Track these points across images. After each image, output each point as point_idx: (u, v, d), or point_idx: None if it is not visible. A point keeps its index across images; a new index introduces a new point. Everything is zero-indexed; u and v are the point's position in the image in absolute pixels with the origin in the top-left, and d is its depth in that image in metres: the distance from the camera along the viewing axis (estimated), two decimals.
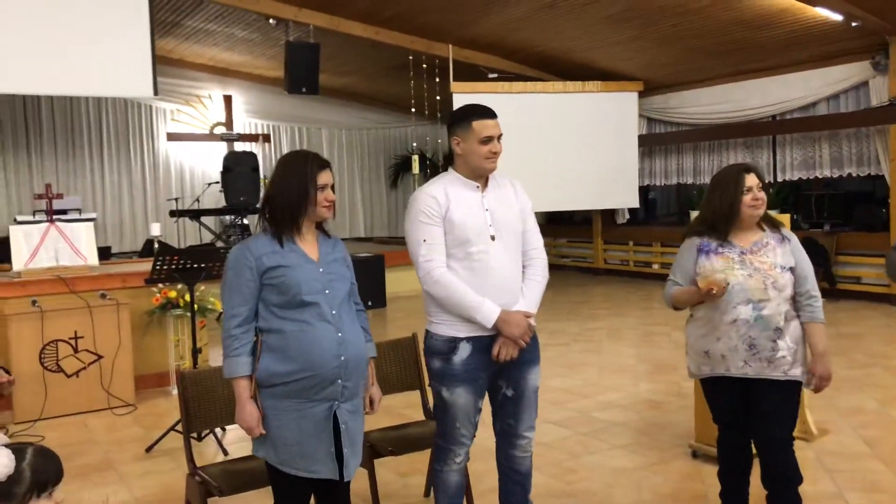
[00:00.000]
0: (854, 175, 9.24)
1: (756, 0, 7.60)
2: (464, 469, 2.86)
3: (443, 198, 2.71)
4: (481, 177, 2.77)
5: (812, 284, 2.87)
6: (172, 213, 10.72)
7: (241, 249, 2.43)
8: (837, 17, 7.74)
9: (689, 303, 2.95)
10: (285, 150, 13.70)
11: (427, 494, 3.69)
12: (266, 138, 13.36)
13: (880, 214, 9.02)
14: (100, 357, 5.37)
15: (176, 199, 11.07)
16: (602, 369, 6.18)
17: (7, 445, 1.63)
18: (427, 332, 2.81)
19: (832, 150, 9.38)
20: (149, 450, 4.52)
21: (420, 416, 3.66)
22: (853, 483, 3.68)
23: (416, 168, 11.72)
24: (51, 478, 1.64)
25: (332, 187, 2.49)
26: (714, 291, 2.76)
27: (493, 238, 2.71)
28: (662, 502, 3.57)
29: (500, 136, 2.74)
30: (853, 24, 7.85)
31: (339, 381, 2.41)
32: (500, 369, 2.77)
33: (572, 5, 8.32)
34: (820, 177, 9.55)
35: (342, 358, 2.40)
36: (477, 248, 2.69)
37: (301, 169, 2.44)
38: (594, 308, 9.18)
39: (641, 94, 11.04)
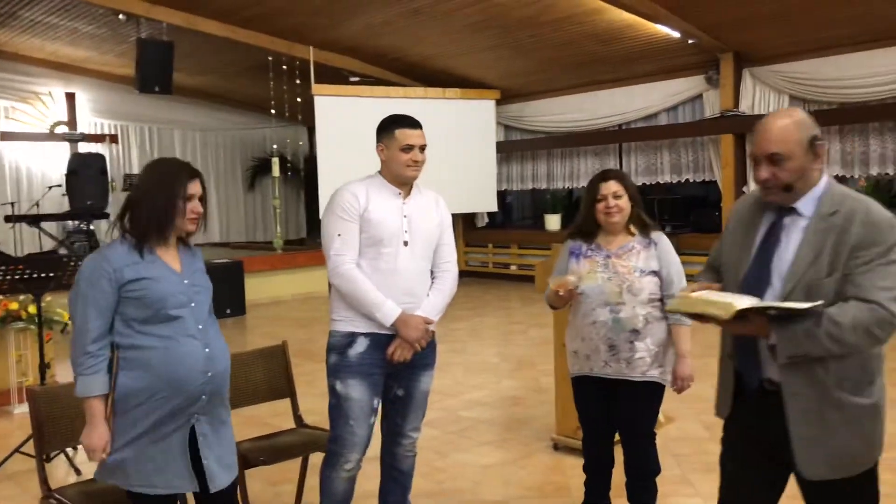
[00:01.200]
0: (691, 180, 9.99)
1: (604, 15, 8.07)
2: (353, 478, 2.88)
3: (363, 197, 2.79)
4: (405, 184, 2.86)
5: (678, 288, 2.94)
6: (7, 219, 9.94)
7: (98, 259, 2.28)
8: (676, 35, 8.36)
9: (555, 303, 3.10)
10: (135, 152, 13.05)
11: (298, 502, 3.66)
12: (113, 139, 12.67)
13: (714, 217, 9.81)
14: None
15: (12, 204, 10.27)
16: (467, 369, 6.35)
17: None
18: (330, 331, 2.87)
19: (672, 157, 10.10)
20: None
21: (291, 425, 3.62)
22: (695, 465, 4.01)
23: (275, 170, 11.48)
24: None
25: (202, 199, 2.38)
26: (561, 293, 2.90)
27: (405, 243, 2.81)
28: (528, 495, 3.74)
29: (422, 147, 2.84)
30: (690, 41, 8.51)
31: (204, 396, 2.32)
32: (394, 371, 2.85)
33: (435, 13, 8.49)
34: (661, 182, 10.26)
35: (209, 374, 2.32)
36: (388, 250, 2.78)
37: (171, 177, 2.32)
38: (457, 309, 9.38)
39: (499, 102, 11.42)
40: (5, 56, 10.73)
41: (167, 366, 2.25)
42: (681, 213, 10.35)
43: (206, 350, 2.34)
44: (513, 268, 11.91)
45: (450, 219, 3.02)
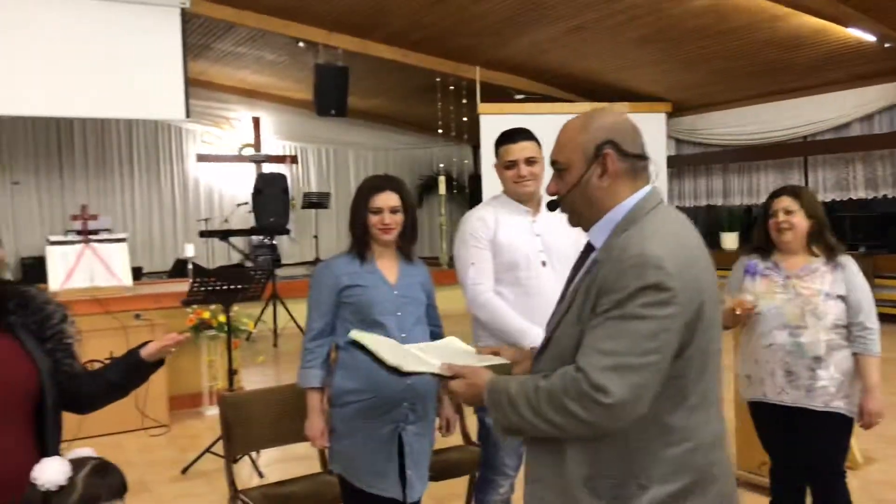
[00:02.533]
0: (889, 196, 9.11)
1: (787, 21, 7.56)
2: (508, 500, 2.82)
3: (491, 221, 2.71)
4: (530, 201, 2.73)
5: (867, 315, 2.73)
6: (202, 234, 10.80)
7: (323, 267, 2.56)
8: (871, 38, 7.67)
9: (727, 322, 2.91)
10: (313, 171, 13.82)
11: None
12: (293, 160, 13.46)
13: None
14: None
15: (205, 220, 11.17)
16: None
17: (73, 459, 1.65)
18: None
19: (866, 170, 9.26)
20: (184, 471, 4.51)
21: (458, 442, 3.62)
22: None
23: (442, 189, 11.73)
24: (103, 494, 1.66)
25: (396, 210, 2.50)
26: (738, 312, 2.71)
27: (543, 264, 2.68)
28: None
29: (529, 160, 2.68)
30: (886, 45, 7.77)
31: (405, 403, 2.41)
32: None
33: (601, 27, 8.33)
34: (854, 198, 9.43)
35: (408, 382, 2.38)
36: (526, 273, 2.66)
37: (360, 193, 2.55)
38: None
39: (670, 115, 11.01)
40: (200, 84, 11.71)
41: (370, 368, 2.33)
42: (876, 231, 9.44)
43: None
44: None
45: None
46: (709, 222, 12.80)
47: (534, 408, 1.42)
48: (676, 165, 11.29)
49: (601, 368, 1.36)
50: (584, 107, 10.23)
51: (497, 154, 2.75)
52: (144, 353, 1.93)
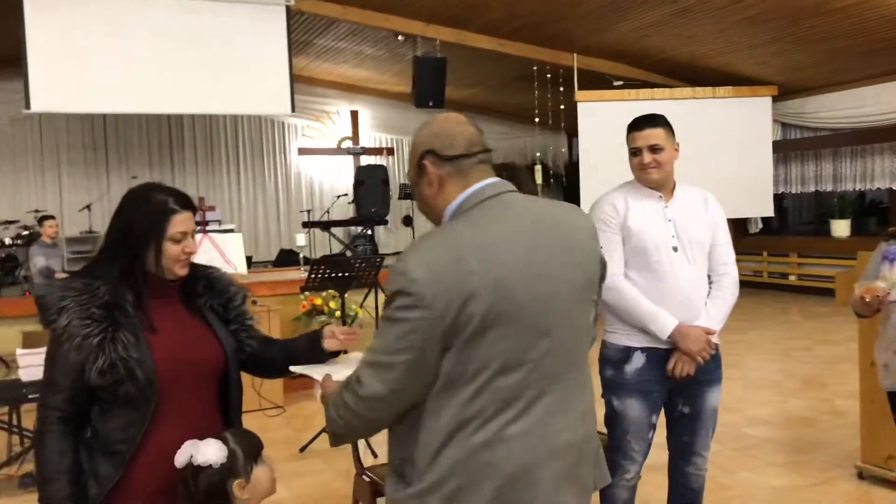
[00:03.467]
0: None
1: None
2: (634, 487, 2.80)
3: (622, 205, 2.70)
4: (662, 187, 2.72)
5: None
6: (305, 224, 11.14)
7: None
8: None
9: (862, 311, 2.80)
10: (407, 163, 14.01)
11: None
12: (390, 152, 13.69)
13: None
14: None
15: (307, 211, 11.52)
16: (746, 384, 5.95)
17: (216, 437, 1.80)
18: (602, 341, 2.78)
19: None
20: (302, 450, 4.71)
21: None
22: None
23: (538, 178, 11.67)
24: (257, 446, 1.82)
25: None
26: (868, 299, 2.61)
27: (675, 249, 2.64)
28: None
29: (652, 147, 2.65)
30: None
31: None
32: (677, 386, 2.70)
33: (707, 9, 8.10)
34: None
35: None
36: (657, 258, 2.63)
37: None
38: (730, 320, 8.81)
39: (776, 99, 10.59)
40: (302, 80, 12.05)
41: None
42: None
43: None
44: (791, 278, 10.98)
45: (723, 217, 2.77)
46: (817, 209, 12.30)
47: (333, 403, 1.55)
48: (782, 150, 10.87)
49: (364, 364, 1.48)
50: (685, 92, 10.00)
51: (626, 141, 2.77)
52: (326, 343, 1.99)
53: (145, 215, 1.79)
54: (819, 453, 4.31)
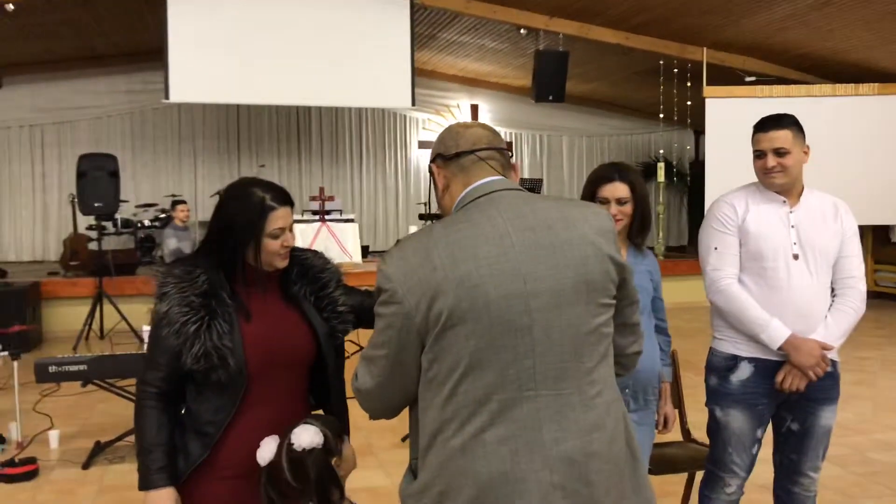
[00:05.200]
0: None
1: None
2: (735, 502, 2.67)
3: (742, 207, 2.57)
4: (788, 191, 2.56)
5: None
6: (421, 217, 11.32)
7: None
8: None
9: None
10: (526, 158, 13.92)
11: None
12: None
13: None
14: (362, 348, 5.78)
15: (425, 203, 11.67)
16: (877, 404, 5.53)
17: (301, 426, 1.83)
18: (710, 348, 2.69)
19: None
20: (404, 439, 4.78)
21: (678, 437, 3.50)
22: None
23: (660, 176, 11.32)
24: (336, 425, 1.86)
25: (624, 201, 2.48)
26: None
27: (795, 257, 2.50)
28: None
29: (777, 151, 2.49)
30: None
31: (627, 390, 2.38)
32: (786, 401, 2.56)
33: (851, 2, 7.57)
34: None
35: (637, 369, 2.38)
36: (773, 264, 2.50)
37: (588, 181, 2.59)
38: (864, 335, 8.25)
39: None
40: (423, 74, 12.21)
41: None
42: None
43: None
44: None
45: (855, 228, 2.58)
46: None
47: None
48: None
49: (360, 357, 1.55)
50: (824, 89, 9.41)
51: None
52: None
53: (244, 212, 1.83)
54: None
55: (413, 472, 1.53)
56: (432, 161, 1.65)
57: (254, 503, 1.80)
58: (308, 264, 1.99)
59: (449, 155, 1.60)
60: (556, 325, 1.44)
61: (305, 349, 1.93)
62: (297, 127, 12.80)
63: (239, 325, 1.82)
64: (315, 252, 2.06)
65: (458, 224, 1.49)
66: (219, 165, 12.35)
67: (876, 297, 10.95)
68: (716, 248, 2.57)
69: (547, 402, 1.43)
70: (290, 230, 1.89)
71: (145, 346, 1.88)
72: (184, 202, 8.46)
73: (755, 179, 2.66)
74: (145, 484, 1.80)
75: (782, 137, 2.51)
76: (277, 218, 1.84)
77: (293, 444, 1.78)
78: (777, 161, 2.50)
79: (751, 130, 2.61)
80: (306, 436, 1.79)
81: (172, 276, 1.82)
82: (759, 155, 2.56)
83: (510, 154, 1.65)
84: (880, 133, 9.69)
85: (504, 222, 1.47)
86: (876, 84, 9.74)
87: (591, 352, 1.48)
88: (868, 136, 9.67)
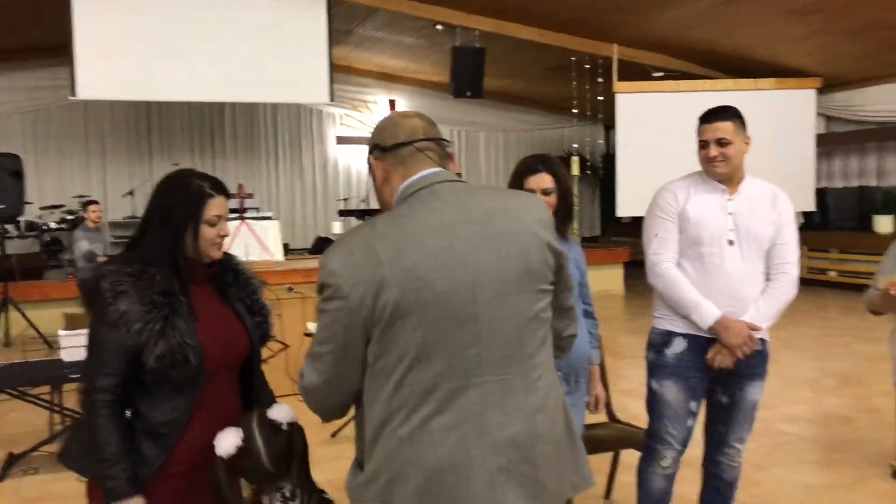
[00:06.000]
0: None
1: None
2: (671, 476, 2.81)
3: (683, 195, 2.71)
4: (728, 180, 2.70)
5: None
6: (341, 213, 11.26)
7: None
8: None
9: (880, 307, 2.80)
10: None
11: (607, 496, 3.68)
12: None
13: None
14: (286, 346, 5.73)
15: (344, 200, 11.62)
16: (782, 380, 5.88)
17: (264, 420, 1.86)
18: (651, 328, 2.84)
19: None
20: (334, 435, 4.79)
21: (603, 419, 3.65)
22: None
23: (575, 169, 11.60)
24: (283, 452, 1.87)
25: (549, 191, 2.57)
26: (893, 292, 2.59)
27: (730, 243, 2.65)
28: None
29: (719, 141, 2.63)
30: None
31: (559, 373, 2.47)
32: (720, 376, 2.71)
33: (753, 1, 7.97)
34: None
35: None
36: (709, 250, 2.64)
37: (514, 173, 2.66)
38: None
39: (820, 91, 10.39)
40: (340, 69, 12.12)
41: None
42: None
43: None
44: (832, 274, 10.78)
45: (791, 215, 2.74)
46: (860, 205, 12.04)
47: None
48: (826, 144, 10.65)
49: (306, 355, 1.54)
50: (727, 84, 9.85)
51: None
52: None
53: (183, 199, 1.85)
54: (854, 452, 4.25)
55: (360, 464, 1.53)
56: (370, 153, 1.63)
57: (205, 497, 1.81)
58: (240, 269, 2.04)
59: (387, 146, 1.59)
60: (501, 314, 1.47)
61: (244, 349, 1.96)
62: (210, 124, 12.50)
63: (192, 323, 1.82)
64: (239, 259, 2.10)
65: (401, 217, 1.49)
66: (129, 164, 11.93)
67: None
68: (657, 235, 2.71)
69: (492, 388, 1.47)
70: (225, 220, 1.92)
71: (86, 351, 1.83)
72: (96, 202, 8.15)
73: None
74: (115, 496, 1.74)
75: (724, 128, 2.65)
76: (214, 206, 1.87)
77: (274, 421, 1.80)
78: (719, 151, 2.64)
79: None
80: (282, 412, 1.81)
81: (127, 275, 1.79)
82: (702, 145, 2.69)
83: (448, 144, 1.65)
84: (780, 125, 10.22)
85: (448, 215, 1.48)
86: (773, 79, 10.28)
87: (533, 337, 1.53)
88: (768, 128, 10.17)
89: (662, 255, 2.69)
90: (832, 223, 12.35)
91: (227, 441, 1.78)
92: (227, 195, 1.94)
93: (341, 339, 1.46)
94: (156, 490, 1.81)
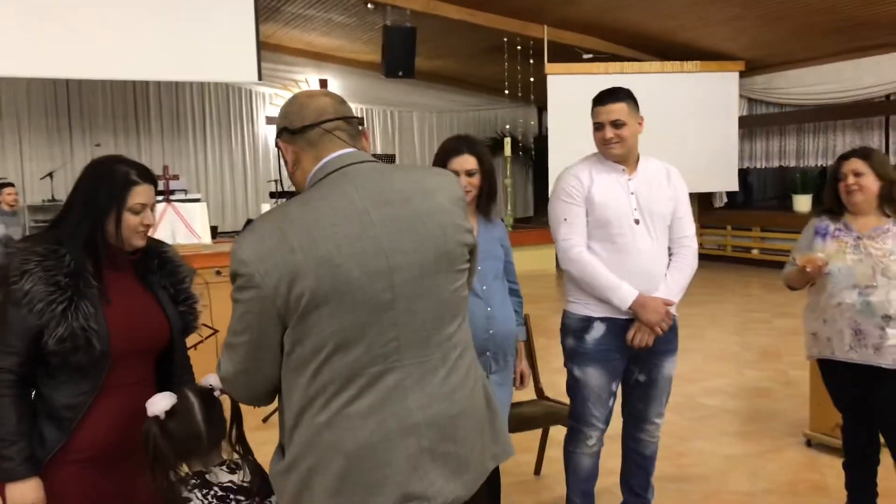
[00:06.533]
0: None
1: None
2: (597, 454, 2.87)
3: (586, 178, 2.71)
4: (626, 160, 2.73)
5: None
6: (272, 195, 11.07)
7: None
8: None
9: (796, 282, 2.92)
10: (377, 134, 13.92)
11: (537, 473, 3.75)
12: (360, 122, 13.56)
13: None
14: (216, 331, 5.61)
15: (276, 181, 11.41)
16: (706, 355, 6.08)
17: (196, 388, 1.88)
18: (564, 311, 2.84)
19: None
20: (265, 420, 4.73)
21: (531, 396, 3.71)
22: None
23: (507, 150, 11.70)
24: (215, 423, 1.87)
25: (473, 173, 2.60)
26: (808, 269, 2.71)
27: (636, 222, 2.68)
28: (778, 490, 3.52)
29: (615, 122, 2.65)
30: None
31: (488, 353, 2.50)
32: (636, 355, 2.76)
33: None
34: None
35: (490, 332, 2.50)
36: (618, 230, 2.66)
37: (437, 155, 2.70)
38: (693, 294, 8.89)
39: (743, 74, 10.71)
40: (269, 48, 11.86)
41: None
42: None
43: (489, 309, 2.53)
44: (754, 252, 11.18)
45: (685, 190, 2.81)
46: (780, 184, 12.51)
47: None
48: (748, 125, 11.00)
49: (223, 346, 1.52)
50: (654, 66, 10.03)
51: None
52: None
53: (108, 185, 1.81)
54: (771, 422, 4.44)
55: (282, 450, 1.52)
56: (278, 136, 1.59)
57: (109, 486, 1.80)
58: (167, 257, 2.00)
59: (294, 129, 1.55)
60: (419, 297, 1.46)
61: (160, 337, 1.93)
62: (134, 103, 12.06)
63: (102, 308, 1.78)
64: (171, 246, 2.06)
65: (313, 202, 1.45)
66: (48, 144, 11.43)
67: (702, 258, 11.86)
68: (565, 220, 2.71)
69: (411, 370, 1.46)
70: (152, 209, 1.88)
71: None
72: (11, 185, 7.81)
73: (597, 151, 2.84)
74: (11, 476, 1.72)
75: (618, 110, 2.67)
76: (139, 193, 1.84)
77: (207, 386, 1.81)
78: (614, 133, 2.66)
79: (589, 105, 2.78)
80: (213, 379, 1.81)
81: (35, 254, 1.74)
82: (597, 127, 2.71)
83: (359, 121, 1.62)
84: (704, 107, 10.50)
85: (361, 198, 1.45)
86: (699, 62, 10.53)
87: (452, 317, 1.53)
88: (694, 110, 10.45)
89: (572, 239, 2.70)
90: (754, 202, 12.80)
91: (161, 402, 1.76)
92: (155, 184, 1.90)
93: (256, 328, 1.44)
94: (55, 475, 1.78)
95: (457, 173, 2.56)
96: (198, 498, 1.70)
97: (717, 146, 10.62)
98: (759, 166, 11.27)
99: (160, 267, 1.97)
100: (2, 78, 9.77)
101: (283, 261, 1.39)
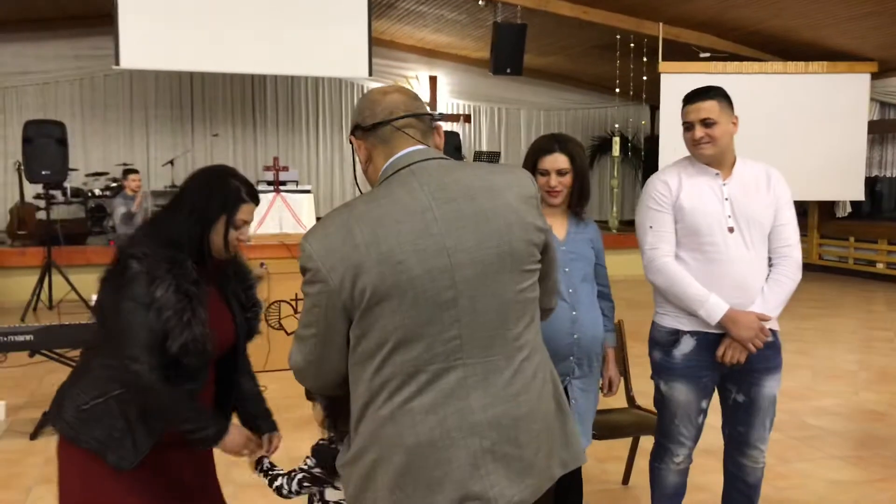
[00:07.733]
0: None
1: None
2: (684, 471, 2.72)
3: (675, 183, 2.56)
4: (719, 163, 2.56)
5: None
6: None
7: None
8: None
9: None
10: (484, 131, 13.92)
11: (625, 482, 3.64)
12: (467, 118, 13.63)
13: None
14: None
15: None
16: (816, 373, 5.74)
17: None
18: (652, 322, 2.71)
19: None
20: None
21: (622, 404, 3.60)
22: None
23: (616, 150, 11.44)
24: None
25: (564, 172, 2.53)
26: None
27: (731, 230, 2.50)
28: None
29: (704, 121, 2.49)
30: None
31: (572, 357, 2.43)
32: (730, 372, 2.58)
33: None
34: None
35: (575, 336, 2.44)
36: (710, 239, 2.50)
37: (529, 153, 2.64)
38: (806, 306, 8.50)
39: (875, 76, 10.03)
40: (382, 44, 12.09)
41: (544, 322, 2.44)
42: None
43: (573, 313, 2.46)
44: (880, 266, 10.47)
45: (787, 195, 2.58)
46: None
47: None
48: (879, 131, 10.29)
49: (294, 336, 1.56)
50: (776, 66, 9.57)
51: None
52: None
53: (220, 196, 1.89)
54: (884, 449, 4.13)
55: (349, 442, 1.55)
56: (352, 133, 1.61)
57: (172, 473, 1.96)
58: (240, 264, 2.07)
59: (366, 126, 1.56)
60: (482, 296, 1.45)
61: (228, 342, 2.01)
62: (251, 95, 12.58)
63: (208, 313, 1.88)
64: (240, 252, 2.11)
65: (378, 199, 1.47)
66: (171, 134, 12.09)
67: (820, 270, 11.28)
68: (651, 227, 2.57)
69: (474, 370, 1.46)
70: (248, 227, 1.98)
71: (108, 323, 1.84)
72: (135, 171, 8.28)
73: None
74: (213, 440, 1.86)
75: (708, 108, 2.50)
76: (245, 211, 1.92)
77: None
78: (705, 132, 2.50)
79: None
80: None
81: (164, 260, 1.80)
82: (687, 127, 2.56)
83: (432, 116, 1.61)
84: (830, 111, 9.92)
85: (425, 196, 1.46)
86: (825, 62, 9.95)
87: (518, 318, 1.51)
88: (818, 114, 9.89)
89: (659, 248, 2.55)
90: (883, 213, 11.97)
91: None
92: (257, 203, 1.99)
93: (323, 322, 1.47)
94: (154, 460, 1.89)
95: (548, 172, 2.51)
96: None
97: (842, 152, 9.99)
98: (889, 175, 10.53)
99: (235, 273, 2.05)
100: (133, 70, 10.39)
101: (347, 256, 1.41)
